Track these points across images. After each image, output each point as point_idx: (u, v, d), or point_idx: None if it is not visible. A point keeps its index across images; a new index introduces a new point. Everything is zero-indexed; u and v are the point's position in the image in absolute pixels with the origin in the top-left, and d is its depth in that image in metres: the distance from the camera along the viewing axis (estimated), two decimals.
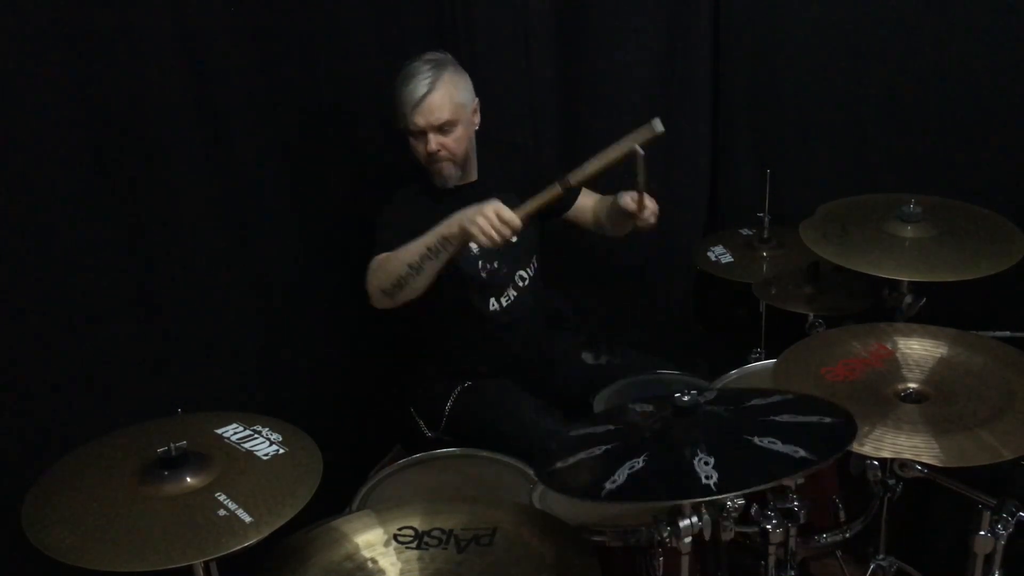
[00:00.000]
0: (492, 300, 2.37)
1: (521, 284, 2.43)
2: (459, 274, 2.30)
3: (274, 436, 1.61)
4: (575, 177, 2.05)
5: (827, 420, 1.52)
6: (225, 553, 1.35)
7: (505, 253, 2.36)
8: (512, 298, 2.40)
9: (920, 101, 2.57)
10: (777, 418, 1.53)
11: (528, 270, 2.46)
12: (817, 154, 2.80)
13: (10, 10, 1.63)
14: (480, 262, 2.34)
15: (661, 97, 2.92)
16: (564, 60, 2.91)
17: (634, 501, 1.36)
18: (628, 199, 2.18)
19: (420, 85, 2.20)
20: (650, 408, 1.69)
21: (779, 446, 1.41)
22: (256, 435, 1.61)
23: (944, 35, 2.48)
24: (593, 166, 2.04)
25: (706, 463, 1.38)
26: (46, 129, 1.72)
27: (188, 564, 1.35)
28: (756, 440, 1.43)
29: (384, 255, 2.17)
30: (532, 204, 2.08)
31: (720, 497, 1.37)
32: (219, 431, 1.61)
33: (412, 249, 2.10)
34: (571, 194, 2.40)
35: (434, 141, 2.23)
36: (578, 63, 2.91)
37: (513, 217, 2.01)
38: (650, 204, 2.16)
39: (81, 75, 1.77)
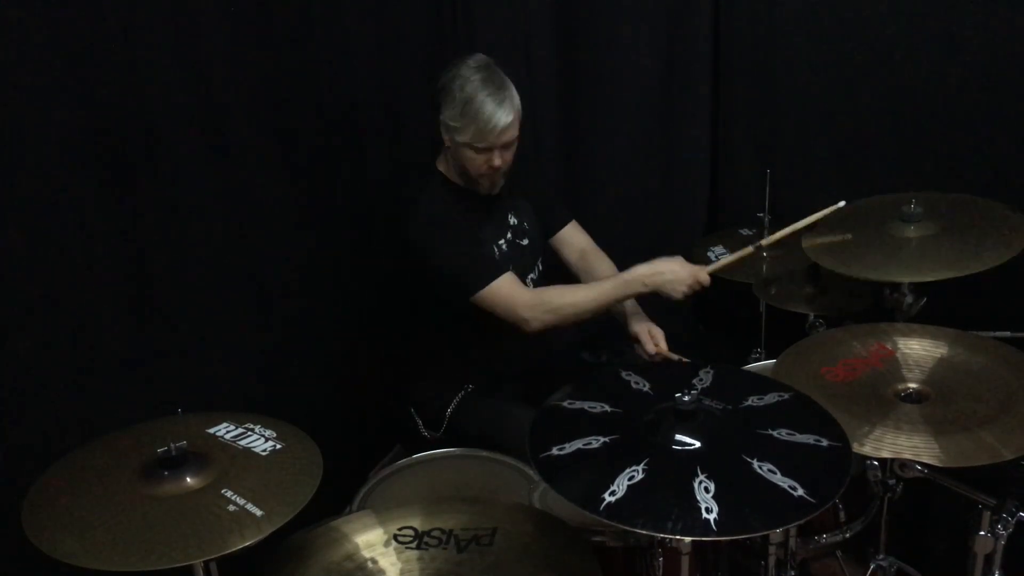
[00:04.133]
0: None
1: (530, 286, 2.43)
2: None
3: (268, 432, 1.62)
4: (766, 241, 2.27)
5: (824, 443, 1.53)
6: (242, 547, 1.35)
7: (515, 258, 2.36)
8: None
9: (920, 101, 2.57)
10: (775, 434, 1.55)
11: (535, 273, 2.46)
12: (817, 154, 2.80)
13: (10, 10, 1.63)
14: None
15: (661, 97, 2.93)
16: (564, 60, 2.91)
17: (633, 528, 1.36)
18: (647, 345, 2.32)
19: (504, 106, 2.15)
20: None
21: (778, 477, 1.43)
22: (249, 432, 1.61)
23: (944, 34, 2.48)
24: (783, 232, 2.22)
25: (707, 489, 1.40)
26: (46, 129, 1.72)
27: (206, 560, 1.36)
28: (756, 465, 1.46)
29: (553, 300, 2.19)
30: (725, 262, 2.25)
31: (719, 539, 1.38)
32: (211, 430, 1.61)
33: (593, 297, 2.18)
34: (759, 253, 2.43)
35: (499, 157, 2.21)
36: (578, 63, 2.91)
37: (707, 280, 2.17)
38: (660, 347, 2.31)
39: (81, 75, 1.77)
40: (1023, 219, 2.13)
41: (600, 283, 2.26)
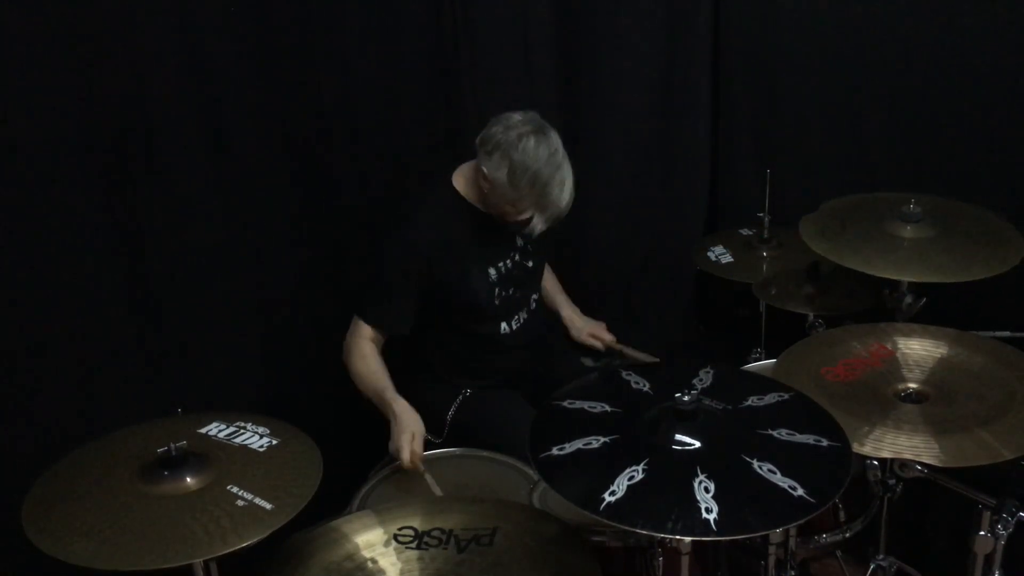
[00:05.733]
0: (503, 324, 2.34)
1: (534, 306, 2.42)
2: (470, 301, 2.25)
3: (260, 429, 1.62)
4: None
5: (824, 443, 1.53)
6: (257, 540, 1.36)
7: (521, 279, 2.34)
8: (523, 320, 2.38)
9: (920, 101, 2.57)
10: (775, 434, 1.55)
11: (537, 293, 2.45)
12: (817, 154, 2.80)
13: (11, 10, 1.63)
14: (496, 289, 2.28)
15: (661, 98, 2.92)
16: (564, 60, 2.91)
17: (633, 528, 1.37)
18: (589, 338, 2.55)
19: (567, 194, 2.13)
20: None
21: (778, 477, 1.43)
22: (242, 430, 1.61)
23: (944, 35, 2.48)
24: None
25: (706, 489, 1.40)
26: (47, 129, 1.72)
27: (227, 554, 1.36)
28: (756, 465, 1.46)
29: (357, 368, 2.20)
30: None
31: (719, 539, 1.37)
32: (202, 430, 1.61)
33: (369, 387, 2.18)
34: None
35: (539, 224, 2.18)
36: (578, 63, 2.91)
37: (420, 456, 2.08)
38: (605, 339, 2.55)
39: (82, 75, 1.78)
40: (1019, 235, 2.13)
41: (384, 380, 2.20)
